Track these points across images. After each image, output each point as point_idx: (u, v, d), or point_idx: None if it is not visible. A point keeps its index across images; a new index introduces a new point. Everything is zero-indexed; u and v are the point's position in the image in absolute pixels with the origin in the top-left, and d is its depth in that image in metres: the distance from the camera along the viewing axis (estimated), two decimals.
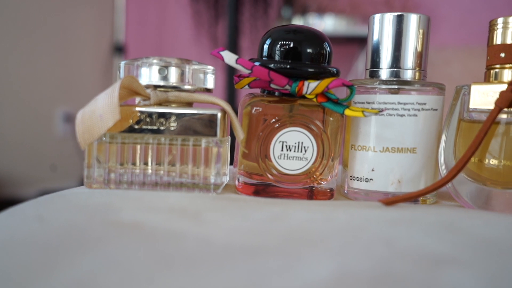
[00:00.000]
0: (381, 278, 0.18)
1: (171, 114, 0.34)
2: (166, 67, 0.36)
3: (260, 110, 0.35)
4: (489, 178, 0.34)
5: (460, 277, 0.18)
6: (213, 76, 0.38)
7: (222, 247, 0.21)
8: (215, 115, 0.34)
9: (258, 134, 0.35)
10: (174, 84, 0.36)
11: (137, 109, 0.34)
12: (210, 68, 0.37)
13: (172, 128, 0.34)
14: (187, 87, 0.36)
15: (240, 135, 0.35)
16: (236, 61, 0.35)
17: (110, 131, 0.34)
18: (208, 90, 0.38)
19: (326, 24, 1.64)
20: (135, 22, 1.94)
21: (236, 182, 0.37)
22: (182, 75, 0.36)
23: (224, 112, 0.35)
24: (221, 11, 1.64)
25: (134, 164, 0.35)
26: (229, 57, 0.35)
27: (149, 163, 0.34)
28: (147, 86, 0.36)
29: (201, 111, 0.34)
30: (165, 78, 0.36)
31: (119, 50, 1.90)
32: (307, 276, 0.18)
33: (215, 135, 0.34)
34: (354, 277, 0.18)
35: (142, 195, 0.31)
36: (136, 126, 0.34)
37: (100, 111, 0.32)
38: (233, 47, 1.35)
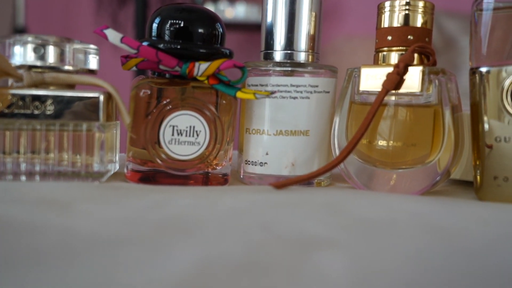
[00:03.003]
0: (250, 264, 0.17)
1: (47, 97, 0.31)
2: (43, 45, 0.33)
3: (149, 93, 0.33)
4: (378, 159, 0.35)
5: (329, 260, 0.17)
6: (97, 57, 0.35)
7: (86, 239, 0.19)
8: (97, 98, 0.32)
9: (146, 118, 0.33)
10: (52, 65, 0.33)
11: (9, 91, 0.31)
12: (93, 47, 0.35)
13: (48, 112, 0.31)
14: (67, 67, 0.33)
15: (126, 119, 0.32)
16: (121, 40, 0.33)
17: None
18: (91, 72, 0.35)
19: (237, 11, 1.63)
20: (37, 4, 1.82)
21: (125, 170, 0.35)
22: (61, 54, 0.33)
23: (108, 95, 0.33)
24: None
25: (4, 153, 0.31)
26: (113, 36, 0.33)
27: (22, 151, 0.31)
28: (21, 67, 0.32)
29: (81, 94, 0.32)
30: (42, 57, 0.33)
31: (20, 33, 1.77)
32: (169, 267, 0.17)
33: (97, 119, 0.32)
34: (220, 265, 0.17)
35: (11, 186, 0.28)
36: (7, 111, 0.31)
37: None
38: (141, 32, 1.30)
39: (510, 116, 0.31)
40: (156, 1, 1.44)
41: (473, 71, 0.33)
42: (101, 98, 0.32)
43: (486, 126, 0.32)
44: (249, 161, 0.37)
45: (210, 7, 1.65)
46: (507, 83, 0.31)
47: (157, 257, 0.18)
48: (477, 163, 0.33)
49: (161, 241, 0.19)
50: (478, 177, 0.32)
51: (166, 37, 0.34)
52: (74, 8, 1.78)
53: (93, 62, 0.35)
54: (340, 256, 0.18)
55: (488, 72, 0.32)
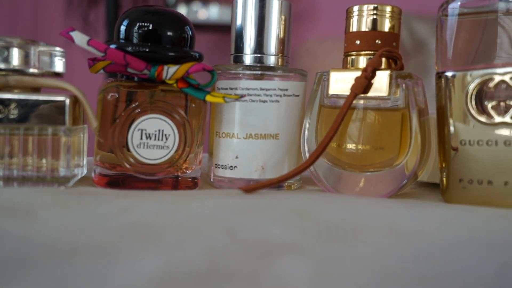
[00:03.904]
0: (212, 272, 0.17)
1: (10, 100, 0.30)
2: (7, 48, 0.32)
3: (117, 96, 0.33)
4: (347, 162, 0.35)
5: (291, 266, 0.17)
6: (63, 59, 0.35)
7: (44, 248, 0.18)
8: (63, 102, 0.31)
9: (114, 122, 0.33)
10: (17, 67, 0.32)
11: None
12: (59, 50, 0.34)
13: (12, 116, 0.30)
14: (32, 70, 0.33)
15: (93, 123, 0.32)
16: (88, 43, 0.32)
17: None
18: (57, 74, 0.34)
19: (211, 12, 1.63)
20: (5, 5, 1.77)
21: (93, 174, 0.34)
22: (26, 57, 0.32)
23: (75, 98, 0.32)
24: None
25: None
26: (79, 38, 0.32)
27: None
28: None
29: (47, 97, 0.31)
30: (5, 60, 0.32)
31: None
32: (128, 276, 0.16)
33: (63, 123, 0.31)
34: (182, 273, 0.17)
35: None
36: None
37: None
38: (112, 32, 1.28)
39: (475, 120, 0.31)
40: (128, 1, 1.42)
41: (439, 75, 0.33)
42: (67, 101, 0.31)
43: (452, 129, 0.32)
44: (219, 164, 0.37)
45: (183, 8, 1.64)
46: (471, 87, 0.32)
47: (117, 266, 0.17)
48: (443, 165, 0.33)
49: (121, 249, 0.19)
50: (444, 179, 0.33)
51: (135, 40, 0.34)
52: (43, 8, 1.74)
53: (59, 65, 0.34)
54: (302, 262, 0.18)
55: (453, 76, 0.32)
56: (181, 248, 0.19)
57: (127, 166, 0.33)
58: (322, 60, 1.56)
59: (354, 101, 0.34)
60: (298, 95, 0.37)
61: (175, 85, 0.34)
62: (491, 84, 0.31)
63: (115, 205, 0.25)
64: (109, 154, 0.33)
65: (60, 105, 0.31)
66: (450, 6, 0.33)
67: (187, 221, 0.23)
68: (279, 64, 0.37)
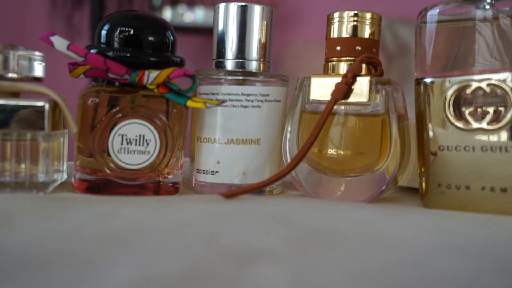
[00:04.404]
0: (190, 279, 0.17)
1: None
2: None
3: (97, 101, 0.33)
4: (328, 167, 0.36)
5: (269, 272, 0.18)
6: (43, 64, 0.34)
7: (20, 255, 0.18)
8: (42, 107, 0.31)
9: (95, 127, 0.33)
10: None
11: None
12: (38, 54, 0.34)
13: None
14: (11, 75, 0.32)
15: (73, 128, 0.32)
16: (68, 48, 0.32)
17: None
18: (37, 79, 0.34)
19: (196, 15, 1.62)
20: None
21: (73, 180, 0.34)
22: (5, 61, 0.32)
23: (54, 103, 0.32)
24: None
25: None
26: (59, 43, 0.32)
27: None
28: None
29: (25, 102, 0.31)
30: None
31: None
32: (105, 284, 0.16)
33: (43, 128, 0.31)
34: (160, 280, 0.17)
35: None
36: None
37: None
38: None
39: (453, 126, 0.32)
40: (112, 3, 1.41)
41: (418, 81, 0.34)
42: (47, 106, 0.31)
43: (431, 134, 0.33)
44: (200, 169, 0.37)
45: (168, 11, 1.64)
46: (449, 93, 0.32)
47: (93, 274, 0.17)
48: (422, 170, 0.34)
49: (99, 256, 0.19)
50: (423, 184, 0.33)
51: (116, 45, 0.34)
52: (27, 10, 1.73)
53: (38, 69, 0.34)
54: (280, 269, 0.18)
55: (432, 82, 0.33)
56: (160, 255, 0.19)
57: (108, 171, 0.33)
58: (308, 63, 1.57)
59: (335, 107, 0.35)
60: (279, 101, 0.37)
61: (156, 90, 0.33)
62: (469, 91, 0.31)
63: (94, 211, 0.25)
64: (89, 159, 0.33)
65: (40, 110, 0.31)
66: (429, 13, 0.34)
67: (167, 228, 0.23)
68: (261, 69, 0.37)
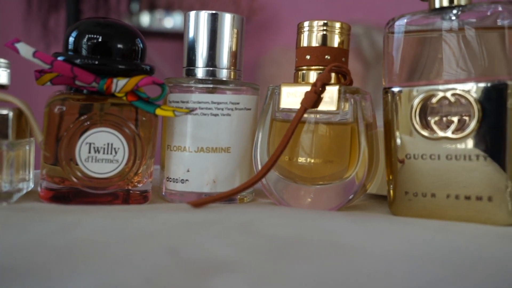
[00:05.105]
0: None
1: None
2: None
3: (64, 109, 0.32)
4: (298, 175, 0.36)
5: (230, 283, 0.17)
6: (7, 71, 0.34)
7: None
8: (6, 115, 0.30)
9: (61, 135, 0.32)
10: None
11: None
12: (3, 61, 0.33)
13: None
14: None
15: (38, 137, 0.31)
16: (34, 55, 0.32)
17: None
18: (1, 87, 0.33)
19: (175, 20, 1.62)
20: None
21: (39, 188, 0.33)
22: None
23: (19, 111, 0.31)
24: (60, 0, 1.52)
25: None
26: (25, 50, 0.32)
27: None
28: None
29: None
30: None
31: None
32: None
33: (6, 137, 0.30)
34: None
35: None
36: None
37: None
38: None
39: (419, 135, 0.32)
40: (89, 7, 1.40)
41: (386, 90, 0.34)
42: (10, 114, 0.30)
43: (398, 142, 0.33)
44: (170, 178, 0.36)
45: (146, 16, 1.63)
46: (415, 102, 0.32)
47: (55, 285, 0.17)
48: (390, 178, 0.34)
49: (60, 268, 0.18)
50: (391, 191, 0.34)
51: (84, 52, 0.33)
52: (1, 14, 1.70)
53: (3, 76, 0.33)
54: (241, 280, 0.18)
55: (400, 91, 0.33)
56: (121, 267, 0.19)
57: (74, 180, 0.32)
58: (287, 69, 1.58)
59: (306, 115, 0.35)
60: (249, 109, 0.37)
61: (124, 98, 0.33)
62: (434, 100, 0.32)
63: (58, 222, 0.25)
64: (56, 168, 0.33)
65: (3, 119, 0.30)
66: (396, 23, 0.34)
67: (130, 238, 0.23)
68: (232, 77, 0.37)
